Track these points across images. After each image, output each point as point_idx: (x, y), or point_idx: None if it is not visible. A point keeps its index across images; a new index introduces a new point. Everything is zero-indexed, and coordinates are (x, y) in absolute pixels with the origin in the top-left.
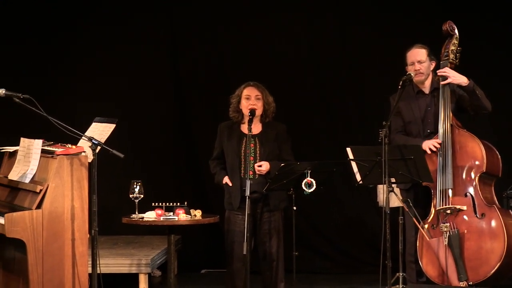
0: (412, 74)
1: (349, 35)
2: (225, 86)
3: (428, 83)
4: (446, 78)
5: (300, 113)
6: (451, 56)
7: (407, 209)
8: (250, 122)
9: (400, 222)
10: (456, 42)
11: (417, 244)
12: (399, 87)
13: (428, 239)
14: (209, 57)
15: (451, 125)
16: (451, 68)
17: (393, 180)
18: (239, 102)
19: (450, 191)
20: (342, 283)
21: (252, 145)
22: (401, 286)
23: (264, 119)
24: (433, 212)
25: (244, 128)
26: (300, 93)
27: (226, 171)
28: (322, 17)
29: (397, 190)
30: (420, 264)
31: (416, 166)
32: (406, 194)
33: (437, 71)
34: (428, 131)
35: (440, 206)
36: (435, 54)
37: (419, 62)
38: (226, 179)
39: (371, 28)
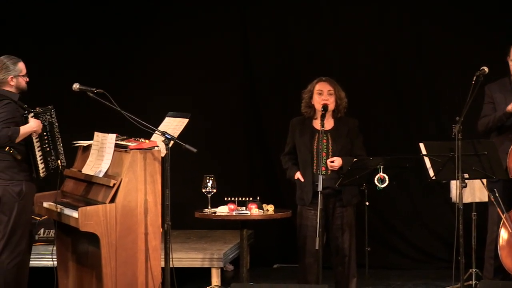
0: (486, 69)
1: (422, 28)
2: (297, 81)
3: None
4: None
5: (372, 108)
6: None
7: (492, 199)
8: (323, 117)
9: (474, 218)
10: None
11: (498, 238)
12: (473, 82)
13: (510, 230)
14: (281, 52)
15: None
16: None
17: (466, 175)
18: (311, 97)
19: None
20: (414, 279)
21: (324, 141)
22: (474, 282)
23: (336, 114)
24: None
25: (316, 123)
26: (372, 87)
27: (298, 167)
28: (394, 11)
29: (484, 181)
30: (500, 256)
31: (489, 161)
32: (492, 185)
33: None
34: None
35: None
36: None
37: None
38: (298, 175)
39: (445, 23)
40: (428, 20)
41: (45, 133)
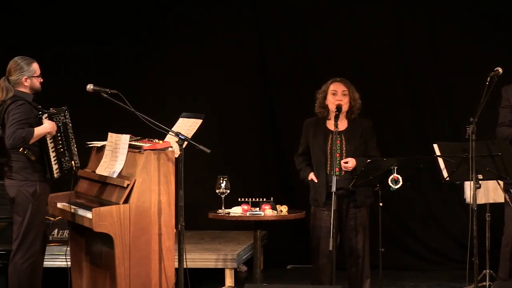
0: (500, 70)
1: (437, 30)
2: (311, 81)
3: None
4: None
5: (386, 109)
6: None
7: (508, 200)
8: (336, 118)
9: (487, 219)
10: None
11: None
12: (487, 83)
13: None
14: (296, 52)
15: None
16: None
17: (480, 176)
18: (325, 97)
19: None
20: (428, 280)
21: (338, 141)
22: (488, 283)
23: (350, 115)
24: None
25: (330, 124)
26: (386, 88)
27: (311, 167)
28: (410, 11)
29: (501, 182)
30: None
31: (503, 162)
32: (508, 186)
33: None
34: None
35: None
36: None
37: None
38: (311, 176)
39: (460, 24)
40: (442, 20)
41: (59, 134)
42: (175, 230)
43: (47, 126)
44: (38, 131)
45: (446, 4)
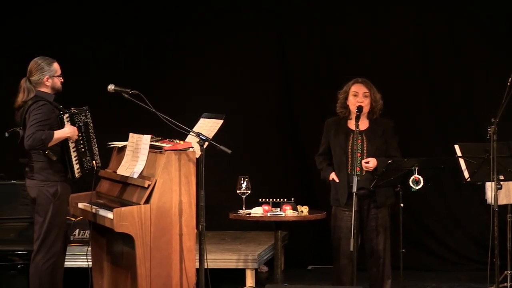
0: None
1: (459, 30)
2: (332, 80)
3: None
4: None
5: (407, 109)
6: None
7: None
8: (357, 118)
9: (509, 220)
10: None
11: None
12: (508, 84)
13: None
14: (317, 52)
15: None
16: None
17: (501, 177)
18: (346, 98)
19: None
20: (449, 281)
21: (359, 141)
22: (509, 284)
23: (371, 116)
24: None
25: (351, 124)
26: (407, 88)
27: (332, 167)
28: (431, 11)
29: None
30: None
31: None
32: None
33: None
34: None
35: None
36: None
37: None
38: (332, 175)
39: (481, 25)
40: (464, 21)
41: (80, 134)
42: (196, 231)
43: (67, 131)
44: (58, 134)
45: (468, 4)
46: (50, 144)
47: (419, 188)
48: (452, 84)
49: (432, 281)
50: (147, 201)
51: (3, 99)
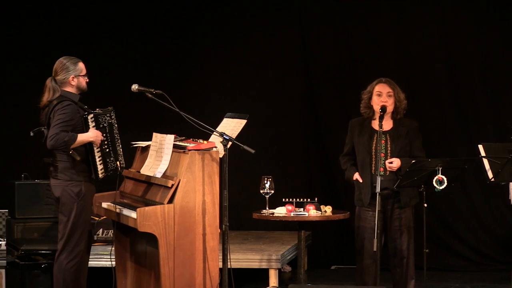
0: None
1: (483, 32)
2: (356, 80)
3: None
4: None
5: (431, 109)
6: None
7: None
8: (381, 118)
9: None
10: None
11: None
12: None
13: None
14: (340, 52)
15: None
16: None
17: None
18: (370, 98)
19: None
20: (473, 281)
21: (383, 141)
22: None
23: (395, 115)
24: None
25: (375, 124)
26: (431, 89)
27: (356, 167)
28: (455, 11)
29: None
30: None
31: None
32: None
33: None
34: None
35: None
36: None
37: None
38: (356, 176)
39: (505, 25)
40: (487, 21)
41: (104, 134)
42: (219, 230)
43: (90, 135)
44: (81, 137)
45: (492, 4)
46: (72, 147)
47: (443, 188)
48: (476, 85)
49: (456, 281)
50: (170, 200)
51: (28, 99)
